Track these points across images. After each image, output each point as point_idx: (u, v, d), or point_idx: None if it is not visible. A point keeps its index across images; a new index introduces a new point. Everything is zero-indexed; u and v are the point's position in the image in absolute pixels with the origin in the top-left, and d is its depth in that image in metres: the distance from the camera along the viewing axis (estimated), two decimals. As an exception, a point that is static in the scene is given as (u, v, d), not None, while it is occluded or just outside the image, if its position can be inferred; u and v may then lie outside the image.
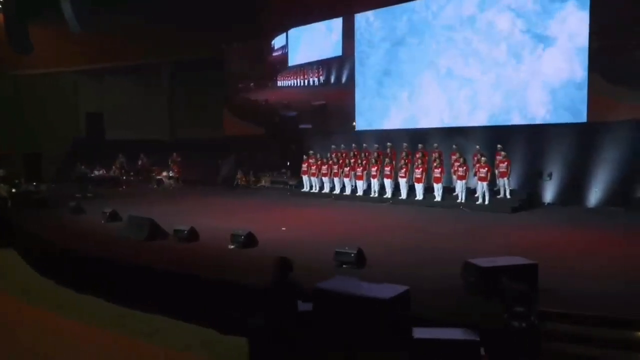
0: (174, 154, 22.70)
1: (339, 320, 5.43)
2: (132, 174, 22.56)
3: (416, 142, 16.36)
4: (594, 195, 13.88)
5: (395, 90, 18.26)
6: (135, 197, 18.13)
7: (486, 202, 13.79)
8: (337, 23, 20.37)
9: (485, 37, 15.84)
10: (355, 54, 19.53)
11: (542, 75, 14.77)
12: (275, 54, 23.87)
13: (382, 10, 18.70)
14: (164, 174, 21.11)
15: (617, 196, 13.69)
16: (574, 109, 14.33)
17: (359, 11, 19.56)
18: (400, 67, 18.06)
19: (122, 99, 28.89)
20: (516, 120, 15.43)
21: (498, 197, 14.02)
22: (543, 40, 14.76)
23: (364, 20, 19.32)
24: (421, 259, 8.42)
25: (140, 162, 23.43)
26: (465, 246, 9.11)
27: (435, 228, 11.36)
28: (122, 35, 24.73)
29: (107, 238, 10.81)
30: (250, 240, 9.46)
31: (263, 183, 21.36)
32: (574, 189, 14.41)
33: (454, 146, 15.35)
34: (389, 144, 16.86)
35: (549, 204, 14.48)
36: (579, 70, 14.11)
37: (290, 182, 21.01)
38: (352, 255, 7.78)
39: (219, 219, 12.62)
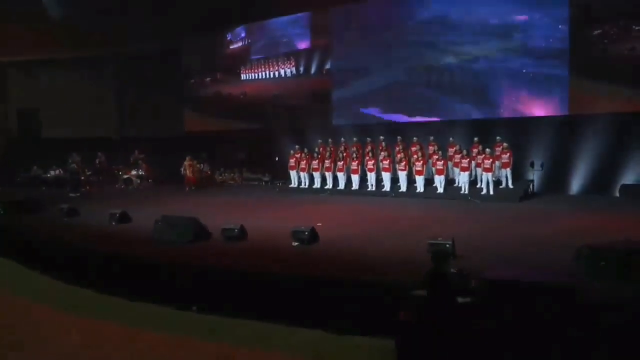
0: (136, 152, 21.48)
1: (517, 312, 5.40)
2: (90, 173, 20.96)
3: (400, 136, 16.62)
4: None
5: (374, 84, 18.40)
6: (111, 198, 16.93)
7: (491, 193, 14.33)
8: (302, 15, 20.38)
9: (465, 31, 16.33)
10: (333, 47, 19.45)
11: (524, 69, 15.47)
12: (234, 46, 23.26)
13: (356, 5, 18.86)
14: (133, 172, 19.84)
15: (596, 185, 14.79)
16: (556, 102, 15.20)
17: (333, 5, 19.54)
18: (379, 60, 18.23)
19: (61, 95, 26.67)
20: (500, 113, 16.10)
21: (500, 187, 14.61)
22: (523, 33, 15.47)
23: (339, 13, 19.32)
24: (523, 247, 8.58)
25: (98, 161, 21.84)
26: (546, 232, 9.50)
27: (487, 219, 11.60)
28: (59, 26, 22.89)
29: (144, 241, 10.04)
30: (313, 236, 9.18)
31: (234, 180, 20.79)
32: (557, 179, 15.35)
33: (450, 139, 15.78)
34: (368, 138, 17.11)
35: (535, 193, 15.23)
36: (560, 64, 14.92)
37: (265, 179, 20.65)
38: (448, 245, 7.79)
39: (237, 218, 11.91)
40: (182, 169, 18.94)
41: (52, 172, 20.78)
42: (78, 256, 9.65)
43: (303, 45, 20.64)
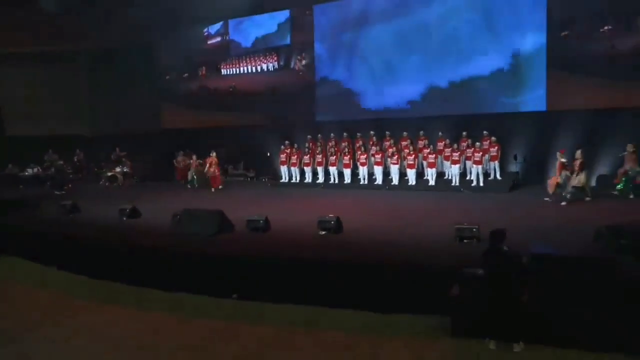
0: (117, 149, 21.28)
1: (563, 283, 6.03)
2: (69, 171, 20.61)
3: (385, 130, 17.37)
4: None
5: (358, 79, 18.96)
6: (103, 196, 16.82)
7: (481, 184, 15.15)
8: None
9: (444, 29, 17.14)
10: (316, 44, 19.90)
11: (504, 67, 16.38)
12: (212, 41, 23.33)
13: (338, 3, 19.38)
14: (117, 170, 19.65)
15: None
16: (535, 99, 16.15)
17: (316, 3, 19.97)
18: (363, 56, 18.79)
19: (29, 91, 25.88)
20: (479, 109, 16.90)
21: (489, 179, 15.45)
22: (501, 31, 16.33)
23: (321, 10, 19.79)
24: (538, 230, 9.28)
25: (76, 159, 21.47)
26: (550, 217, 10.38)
27: (488, 207, 12.28)
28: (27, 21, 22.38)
29: (166, 234, 10.23)
30: (339, 225, 9.62)
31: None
32: (538, 171, 16.32)
33: (440, 133, 16.50)
34: (358, 134, 17.74)
35: (520, 183, 16.15)
36: (539, 62, 15.87)
37: (250, 175, 20.88)
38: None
39: (244, 211, 12.09)
40: (207, 166, 17.77)
41: (30, 171, 20.27)
42: (106, 251, 9.74)
43: (283, 41, 20.92)
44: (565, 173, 12.62)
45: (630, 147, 13.23)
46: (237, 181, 20.36)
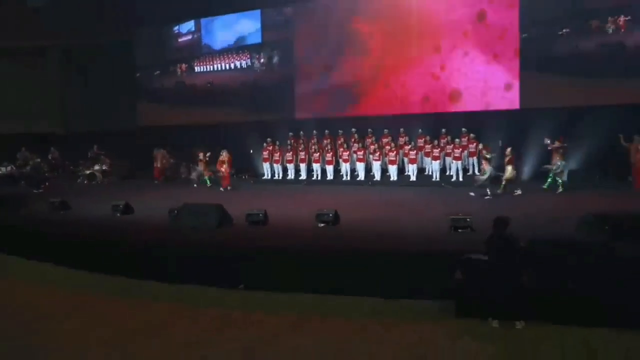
0: (95, 147, 21.16)
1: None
2: (46, 169, 20.36)
3: (364, 128, 17.98)
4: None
5: (336, 79, 19.37)
6: (82, 193, 16.75)
7: (460, 179, 15.82)
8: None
9: (420, 28, 17.79)
10: (295, 42, 20.27)
11: (479, 66, 17.11)
12: (183, 39, 23.42)
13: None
14: (96, 168, 19.55)
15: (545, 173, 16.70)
16: (508, 97, 16.94)
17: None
18: (340, 56, 19.24)
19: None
20: (455, 107, 17.62)
21: (468, 174, 16.14)
22: (476, 29, 17.06)
23: (301, 8, 20.18)
24: (522, 219, 9.64)
25: (51, 157, 21.21)
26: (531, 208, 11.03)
27: (471, 201, 13.03)
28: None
29: (165, 229, 10.44)
30: (336, 218, 10.03)
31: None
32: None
33: (420, 130, 17.14)
34: (340, 131, 18.28)
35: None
36: (512, 62, 16.68)
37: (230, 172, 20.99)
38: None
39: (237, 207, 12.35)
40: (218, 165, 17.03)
41: (3, 169, 19.92)
42: (106, 246, 9.87)
43: (255, 40, 21.24)
44: (489, 168, 13.69)
45: (557, 143, 14.10)
46: (217, 179, 20.44)
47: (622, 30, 15.20)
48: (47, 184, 19.02)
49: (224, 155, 16.71)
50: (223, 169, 16.67)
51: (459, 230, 9.02)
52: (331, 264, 8.52)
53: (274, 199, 14.52)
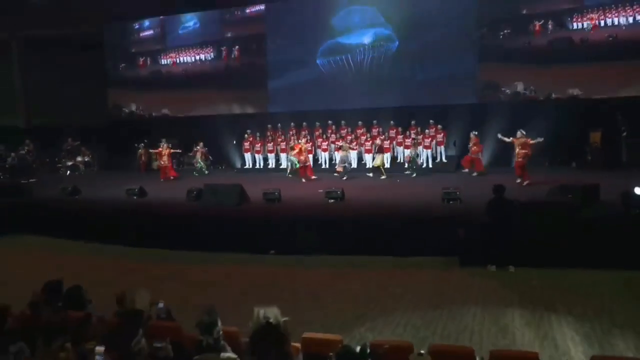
0: (69, 140, 21.86)
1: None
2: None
3: (331, 120, 19.87)
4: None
5: (307, 75, 21.02)
6: (78, 182, 17.55)
7: (430, 166, 17.94)
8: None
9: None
10: (267, 36, 21.83)
11: (441, 62, 19.23)
12: (145, 33, 24.47)
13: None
14: (79, 159, 20.33)
15: (502, 158, 19.14)
16: (467, 92, 19.20)
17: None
18: (311, 52, 20.95)
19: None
20: (421, 101, 19.63)
21: (436, 161, 18.30)
22: (435, 26, 19.07)
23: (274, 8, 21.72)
24: None
25: (27, 149, 21.66)
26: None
27: (448, 182, 14.49)
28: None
29: (187, 207, 11.89)
30: (343, 194, 11.80)
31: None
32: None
33: (391, 122, 19.12)
34: (317, 123, 19.97)
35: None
36: (470, 56, 18.92)
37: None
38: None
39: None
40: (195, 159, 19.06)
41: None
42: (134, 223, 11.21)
43: (219, 36, 22.75)
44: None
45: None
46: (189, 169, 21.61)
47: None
48: (34, 175, 19.61)
49: (164, 147, 18.04)
50: (163, 161, 17.93)
51: (450, 202, 11.00)
52: (345, 230, 10.31)
53: (267, 183, 16.05)
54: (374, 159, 17.57)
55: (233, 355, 3.79)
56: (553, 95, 18.01)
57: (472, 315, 6.89)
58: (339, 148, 17.63)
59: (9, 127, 24.39)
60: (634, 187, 9.09)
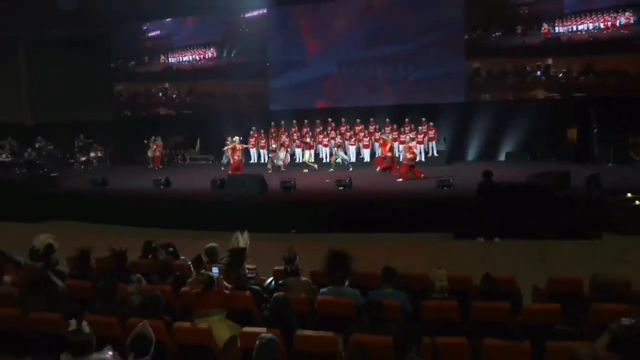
0: (81, 136, 23.35)
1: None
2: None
3: (330, 118, 21.58)
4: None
5: (308, 75, 22.85)
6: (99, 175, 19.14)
7: (423, 160, 19.79)
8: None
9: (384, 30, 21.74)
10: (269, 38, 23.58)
11: (431, 64, 21.22)
12: (153, 33, 26.04)
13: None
14: (92, 155, 21.87)
15: (487, 153, 21.11)
16: (456, 92, 21.14)
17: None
18: (312, 53, 22.77)
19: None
20: (413, 100, 21.59)
21: (429, 155, 20.18)
22: (427, 29, 21.15)
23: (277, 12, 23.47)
24: None
25: (38, 145, 23.13)
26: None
27: (442, 172, 16.73)
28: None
29: (214, 194, 13.59)
30: (351, 183, 13.58)
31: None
32: (458, 149, 21.41)
33: (387, 119, 20.96)
34: (317, 120, 21.74)
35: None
36: (458, 58, 20.90)
37: (211, 158, 23.98)
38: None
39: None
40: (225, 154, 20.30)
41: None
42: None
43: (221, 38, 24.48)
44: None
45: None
46: (201, 165, 23.30)
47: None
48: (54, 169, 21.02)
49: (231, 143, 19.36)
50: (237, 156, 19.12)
51: (444, 188, 12.85)
52: (356, 211, 12.12)
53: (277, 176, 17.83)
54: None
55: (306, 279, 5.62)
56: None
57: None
58: (339, 145, 19.46)
59: (16, 125, 25.77)
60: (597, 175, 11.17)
